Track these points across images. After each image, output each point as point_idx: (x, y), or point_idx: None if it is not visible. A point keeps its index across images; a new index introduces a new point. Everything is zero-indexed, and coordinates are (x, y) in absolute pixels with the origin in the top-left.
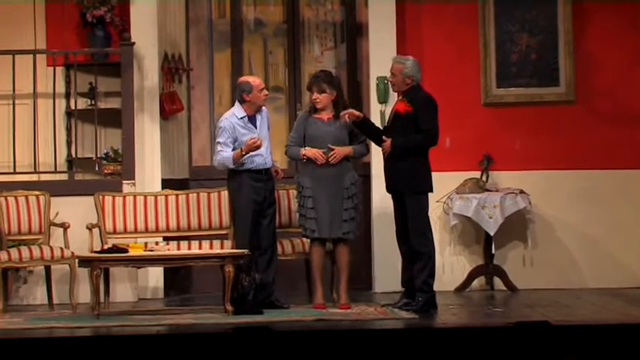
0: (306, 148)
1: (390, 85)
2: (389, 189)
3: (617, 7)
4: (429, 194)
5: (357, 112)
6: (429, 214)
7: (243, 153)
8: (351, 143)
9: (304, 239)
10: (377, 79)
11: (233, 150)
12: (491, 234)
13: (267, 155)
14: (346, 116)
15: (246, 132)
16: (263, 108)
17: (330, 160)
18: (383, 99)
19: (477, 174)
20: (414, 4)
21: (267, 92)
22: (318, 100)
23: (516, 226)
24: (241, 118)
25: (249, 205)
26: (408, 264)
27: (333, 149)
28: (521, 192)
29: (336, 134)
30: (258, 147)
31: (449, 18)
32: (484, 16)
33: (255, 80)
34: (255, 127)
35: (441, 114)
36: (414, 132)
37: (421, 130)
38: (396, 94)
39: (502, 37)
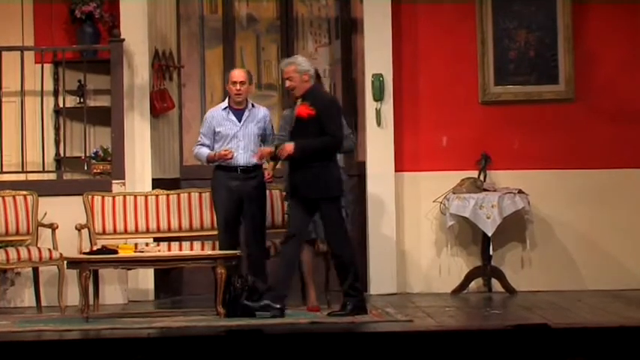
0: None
1: (291, 89)
2: (294, 195)
3: (617, 4)
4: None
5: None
6: (426, 215)
7: (216, 158)
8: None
9: None
10: (372, 77)
11: (213, 142)
12: (489, 234)
13: (245, 153)
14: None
15: (227, 124)
16: (261, 108)
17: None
18: (379, 96)
19: (474, 173)
20: (409, 0)
21: (238, 87)
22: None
23: (515, 227)
24: (224, 109)
25: (223, 203)
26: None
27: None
28: (520, 192)
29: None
30: (228, 159)
31: (446, 14)
32: (481, 11)
33: (233, 72)
34: (239, 121)
35: (437, 112)
36: (318, 136)
37: (326, 134)
38: (391, 90)
39: (500, 34)
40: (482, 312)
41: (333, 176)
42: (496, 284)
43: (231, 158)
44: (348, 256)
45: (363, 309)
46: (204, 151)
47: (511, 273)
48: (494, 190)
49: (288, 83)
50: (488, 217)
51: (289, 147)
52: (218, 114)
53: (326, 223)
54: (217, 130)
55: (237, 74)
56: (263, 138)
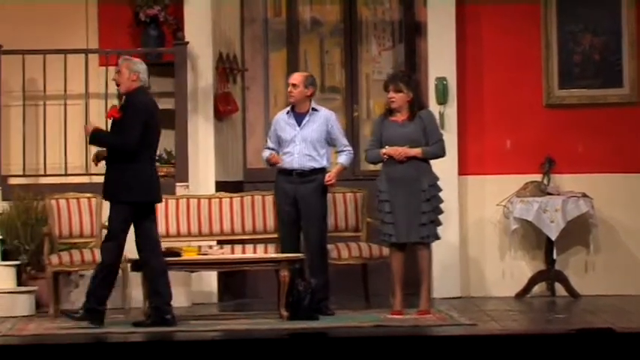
0: (386, 147)
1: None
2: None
3: None
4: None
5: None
6: None
7: (269, 162)
8: (427, 144)
9: (360, 243)
10: (436, 80)
11: (278, 145)
12: (553, 238)
13: (300, 157)
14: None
15: (288, 127)
16: (323, 112)
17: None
18: (442, 100)
19: (538, 177)
20: (474, 2)
21: (290, 89)
22: (393, 99)
23: (578, 231)
24: (287, 112)
25: (281, 205)
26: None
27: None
28: (584, 195)
29: (412, 136)
30: (273, 163)
31: (510, 17)
32: (546, 15)
33: (291, 75)
34: (298, 125)
35: (501, 115)
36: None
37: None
38: (455, 94)
39: (564, 37)
40: (545, 316)
41: (122, 180)
42: (560, 288)
43: (275, 163)
44: (105, 262)
45: (96, 319)
46: (265, 154)
47: (575, 277)
48: (558, 194)
49: (115, 75)
50: (551, 221)
51: (89, 128)
52: (281, 118)
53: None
54: (279, 133)
55: (292, 76)
56: (329, 141)
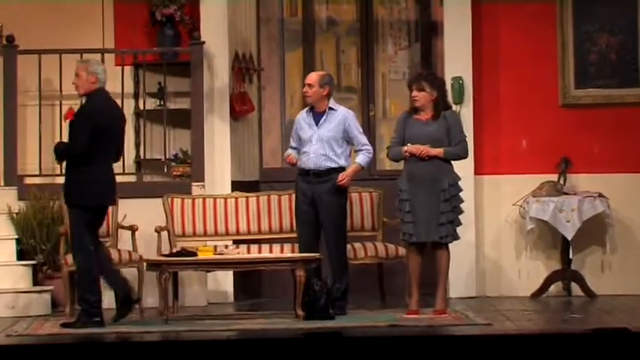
0: (408, 145)
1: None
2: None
3: None
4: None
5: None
6: None
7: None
8: (450, 144)
9: (377, 243)
10: (452, 80)
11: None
12: (569, 238)
13: (316, 157)
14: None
15: (306, 127)
16: (340, 111)
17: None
18: (458, 99)
19: (554, 177)
20: (490, 2)
21: (305, 89)
22: (416, 98)
23: (594, 231)
24: (307, 112)
25: (299, 205)
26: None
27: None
28: (600, 195)
29: (434, 135)
30: (289, 163)
31: (526, 16)
32: (562, 14)
33: (308, 74)
34: (316, 125)
35: (517, 115)
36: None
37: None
38: (471, 93)
39: (581, 37)
40: (561, 316)
41: (78, 184)
42: (576, 288)
43: (291, 163)
44: (82, 268)
45: (95, 322)
46: (287, 152)
47: (591, 277)
48: (574, 194)
49: (74, 80)
50: (568, 221)
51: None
52: (301, 117)
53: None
54: (299, 133)
55: (308, 76)
56: (348, 140)
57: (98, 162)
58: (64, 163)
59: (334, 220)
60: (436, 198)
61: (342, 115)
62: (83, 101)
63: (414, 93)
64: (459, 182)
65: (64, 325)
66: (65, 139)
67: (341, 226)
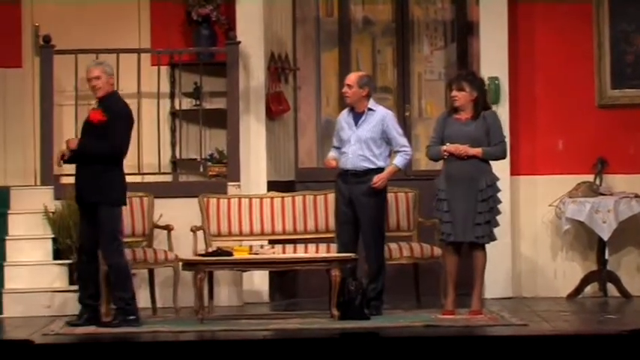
0: (447, 144)
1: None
2: (79, 199)
3: None
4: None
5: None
6: None
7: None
8: (489, 144)
9: (412, 243)
10: (488, 80)
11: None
12: (605, 239)
13: (354, 157)
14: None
15: (346, 127)
16: (379, 111)
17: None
18: (495, 100)
19: (590, 177)
20: (526, 2)
21: (345, 90)
22: (456, 98)
23: (630, 231)
24: (348, 112)
25: (338, 205)
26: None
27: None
28: (636, 196)
29: (474, 135)
30: (328, 166)
31: (562, 17)
32: (598, 14)
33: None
34: (355, 125)
35: (553, 115)
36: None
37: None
38: (507, 93)
39: (617, 37)
40: (597, 317)
41: (115, 183)
42: (612, 289)
43: (331, 167)
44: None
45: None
46: (326, 158)
47: (627, 277)
48: (611, 195)
49: (93, 82)
50: (604, 222)
51: (73, 142)
52: (342, 117)
53: (101, 229)
54: (340, 133)
55: (347, 77)
56: (387, 141)
57: (122, 162)
58: (73, 162)
59: (371, 220)
60: (473, 198)
61: (381, 116)
62: (97, 102)
63: (454, 93)
64: (497, 183)
65: (101, 325)
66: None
67: (378, 226)
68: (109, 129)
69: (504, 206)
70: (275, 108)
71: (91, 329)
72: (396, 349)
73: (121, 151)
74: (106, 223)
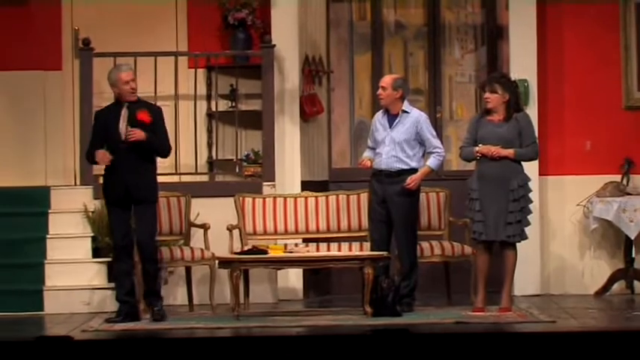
0: (479, 145)
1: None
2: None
3: None
4: None
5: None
6: None
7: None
8: (520, 146)
9: (443, 242)
10: (517, 82)
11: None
12: (632, 237)
13: (387, 158)
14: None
15: (381, 129)
16: (413, 113)
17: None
18: (524, 102)
19: (617, 177)
20: (554, 6)
21: (379, 92)
22: (488, 100)
23: None
24: (383, 113)
25: (372, 204)
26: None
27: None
28: None
29: (506, 136)
30: (362, 166)
31: (590, 20)
32: (625, 18)
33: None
34: (389, 127)
35: (581, 117)
36: None
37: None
38: (536, 96)
39: None
40: (624, 314)
41: (156, 180)
42: (638, 286)
43: (365, 167)
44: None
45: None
46: (361, 158)
47: None
48: (637, 194)
49: (132, 84)
50: (631, 221)
51: (140, 133)
52: (377, 119)
53: (146, 226)
54: (374, 134)
55: (382, 79)
56: (421, 142)
57: None
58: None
59: (404, 220)
60: (505, 198)
61: (415, 118)
62: (127, 105)
63: (487, 95)
64: (529, 183)
65: (155, 319)
66: None
67: (411, 226)
68: (160, 128)
69: (533, 205)
70: (309, 110)
71: (130, 325)
72: (427, 346)
73: (170, 150)
74: (151, 220)
